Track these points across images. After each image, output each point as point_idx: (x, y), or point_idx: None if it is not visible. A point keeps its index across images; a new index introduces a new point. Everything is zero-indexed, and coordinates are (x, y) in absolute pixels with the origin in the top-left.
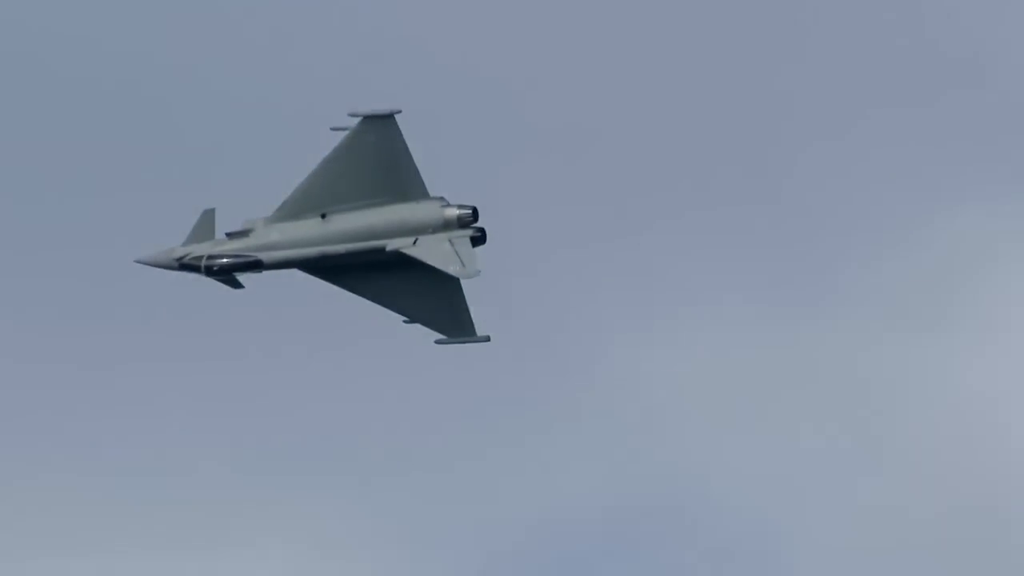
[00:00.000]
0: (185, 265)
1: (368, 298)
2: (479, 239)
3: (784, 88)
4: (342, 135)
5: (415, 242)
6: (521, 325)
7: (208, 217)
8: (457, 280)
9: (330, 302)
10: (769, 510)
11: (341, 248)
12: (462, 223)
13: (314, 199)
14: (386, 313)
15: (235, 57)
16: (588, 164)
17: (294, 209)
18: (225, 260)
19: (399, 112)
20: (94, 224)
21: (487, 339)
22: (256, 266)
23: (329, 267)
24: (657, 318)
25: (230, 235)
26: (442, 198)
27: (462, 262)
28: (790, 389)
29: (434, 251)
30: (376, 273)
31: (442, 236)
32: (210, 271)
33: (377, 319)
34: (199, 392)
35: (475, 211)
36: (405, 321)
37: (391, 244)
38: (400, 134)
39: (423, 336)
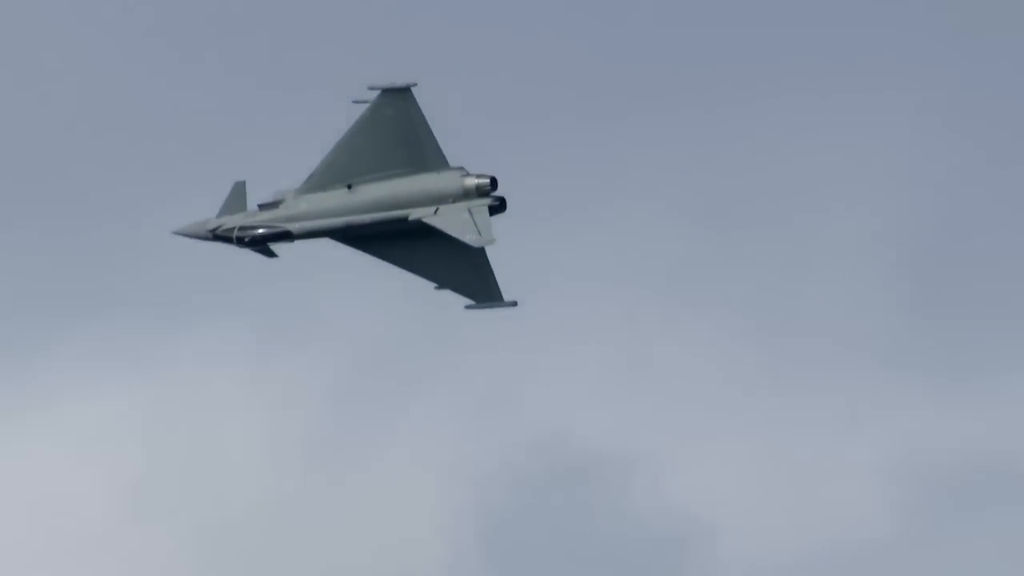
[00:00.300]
0: (218, 236)
1: (399, 266)
2: (498, 208)
3: None
4: (363, 108)
5: (436, 211)
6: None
7: (239, 189)
8: (481, 247)
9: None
10: None
11: (366, 218)
12: (481, 192)
13: (340, 170)
14: (418, 280)
15: (263, 32)
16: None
17: (322, 180)
18: (256, 231)
19: (415, 85)
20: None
21: (514, 304)
22: (286, 236)
23: (357, 236)
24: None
25: (262, 206)
26: (462, 168)
27: (478, 231)
28: None
29: (453, 220)
30: (403, 241)
31: (462, 205)
32: (241, 242)
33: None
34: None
35: (494, 180)
36: (436, 287)
37: (413, 213)
38: (417, 106)
39: (455, 301)
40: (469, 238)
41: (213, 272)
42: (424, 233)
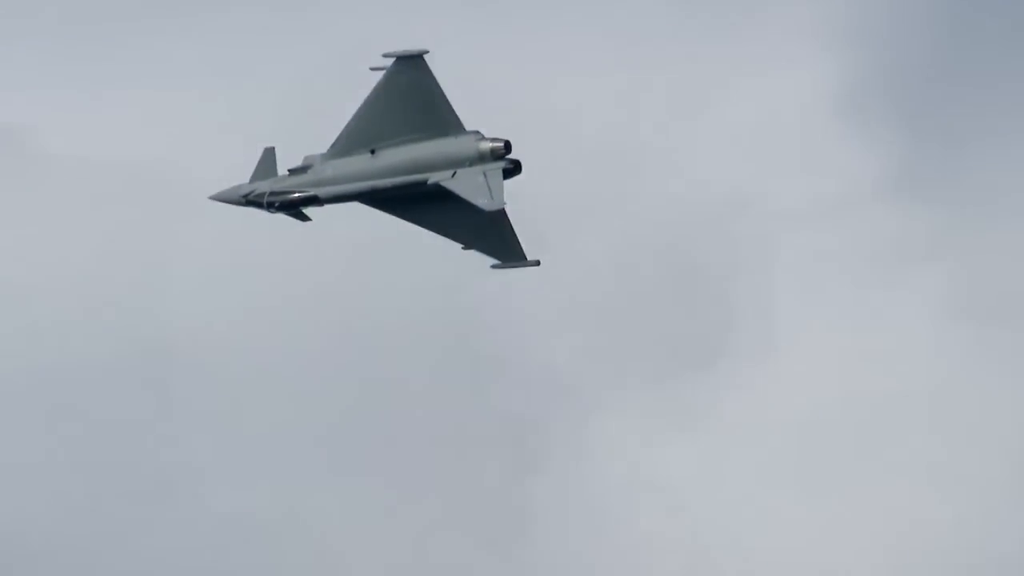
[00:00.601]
0: (251, 201)
1: (425, 227)
2: (513, 171)
3: None
4: (380, 75)
5: (454, 175)
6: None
7: (269, 155)
8: (502, 208)
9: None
10: None
11: (388, 182)
12: (495, 156)
13: (363, 136)
14: (446, 240)
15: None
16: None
17: (347, 146)
18: (285, 197)
19: (427, 52)
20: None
21: (537, 263)
22: (314, 201)
23: (383, 200)
24: None
25: (291, 171)
26: (478, 132)
27: (491, 194)
28: None
29: (468, 184)
30: (427, 204)
31: (478, 168)
32: (272, 207)
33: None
34: None
35: (507, 144)
36: (463, 247)
37: (432, 177)
38: (430, 73)
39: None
40: (482, 202)
41: None
42: (446, 195)
